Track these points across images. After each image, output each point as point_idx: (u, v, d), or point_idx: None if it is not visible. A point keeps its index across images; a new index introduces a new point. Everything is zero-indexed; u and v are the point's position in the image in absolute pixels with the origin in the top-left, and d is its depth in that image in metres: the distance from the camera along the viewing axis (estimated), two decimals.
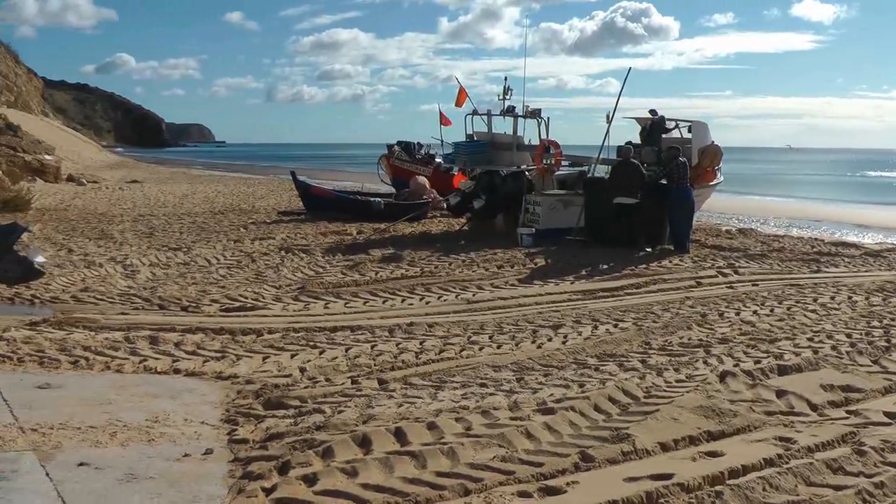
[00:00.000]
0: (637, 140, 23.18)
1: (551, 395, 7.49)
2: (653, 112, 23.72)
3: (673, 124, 23.59)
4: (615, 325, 10.86)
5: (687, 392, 7.51)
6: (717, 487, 5.50)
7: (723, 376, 8.08)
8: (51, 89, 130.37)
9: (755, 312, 11.76)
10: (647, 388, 7.71)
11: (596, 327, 10.73)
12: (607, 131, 20.97)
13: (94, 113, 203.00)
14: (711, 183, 22.89)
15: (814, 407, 7.37)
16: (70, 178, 41.68)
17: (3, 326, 9.97)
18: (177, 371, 8.51)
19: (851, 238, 23.94)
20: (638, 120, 24.22)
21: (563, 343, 9.85)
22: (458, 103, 25.34)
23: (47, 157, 42.02)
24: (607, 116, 21.18)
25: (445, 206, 24.04)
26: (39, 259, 11.39)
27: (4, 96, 76.97)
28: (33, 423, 6.54)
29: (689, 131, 22.75)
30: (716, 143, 22.36)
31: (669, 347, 9.59)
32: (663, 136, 23.15)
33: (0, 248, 10.68)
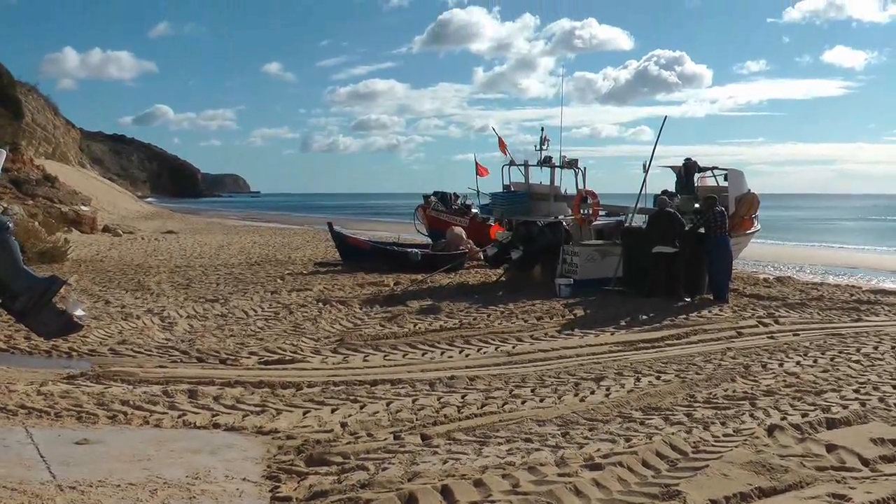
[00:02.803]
0: (673, 188, 23.16)
1: (598, 450, 7.41)
2: (688, 160, 23.72)
3: (706, 168, 23.66)
4: (658, 378, 10.75)
5: (735, 447, 7.40)
6: None
7: (771, 430, 7.95)
8: (88, 140, 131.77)
9: (798, 363, 11.63)
10: (694, 442, 7.61)
11: (638, 379, 10.63)
12: (644, 180, 20.95)
13: (129, 164, 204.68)
14: (749, 231, 22.81)
15: (865, 462, 7.21)
16: (106, 229, 42.03)
17: (40, 380, 10.01)
18: (216, 426, 8.46)
19: (889, 285, 23.57)
20: (673, 168, 24.21)
21: (607, 396, 9.76)
22: (503, 151, 25.37)
23: (84, 207, 42.49)
24: (644, 165, 21.17)
25: (483, 256, 24.04)
26: (79, 312, 11.30)
27: (43, 147, 77.92)
28: (71, 480, 6.48)
29: (726, 179, 22.71)
30: (752, 190, 22.30)
31: (714, 400, 9.47)
32: (697, 174, 23.26)
33: (39, 302, 10.64)
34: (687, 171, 23.45)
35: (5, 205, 31.56)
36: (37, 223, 30.97)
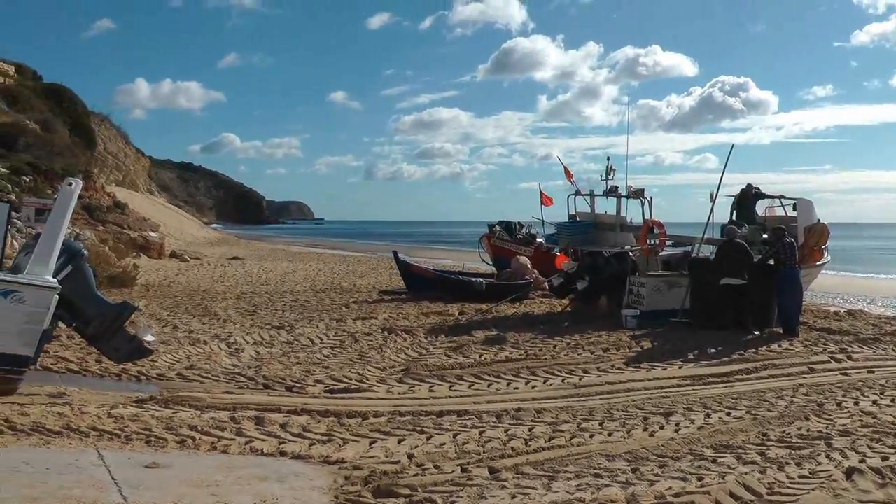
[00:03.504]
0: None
1: (669, 488, 7.28)
2: (750, 186, 23.48)
3: (764, 196, 23.38)
4: (728, 414, 10.54)
5: (812, 490, 7.22)
6: None
7: (849, 473, 7.73)
8: (157, 168, 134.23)
9: (875, 402, 11.31)
10: (769, 483, 7.44)
11: (708, 415, 10.43)
12: (711, 210, 20.74)
13: (196, 191, 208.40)
14: (818, 263, 22.44)
15: None
16: (173, 255, 42.64)
17: (111, 403, 10.11)
18: (283, 454, 8.45)
19: None
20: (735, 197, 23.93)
21: (676, 432, 9.58)
22: (569, 180, 25.29)
23: (152, 233, 43.14)
24: (711, 195, 20.95)
25: (548, 286, 23.92)
26: (149, 337, 11.57)
27: (114, 175, 79.68)
28: (142, 503, 6.55)
29: (795, 209, 22.41)
30: (821, 220, 21.97)
31: (788, 439, 9.23)
32: (766, 204, 23.01)
33: (111, 327, 10.88)
34: (743, 197, 23.16)
35: (77, 230, 32.12)
36: (107, 248, 31.48)
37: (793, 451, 8.68)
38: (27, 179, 39.71)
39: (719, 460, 8.32)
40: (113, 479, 7.18)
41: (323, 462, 8.19)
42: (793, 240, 18.68)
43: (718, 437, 9.32)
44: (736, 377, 13.22)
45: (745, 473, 7.76)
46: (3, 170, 39.65)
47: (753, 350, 15.63)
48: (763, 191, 23.67)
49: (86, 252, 11.33)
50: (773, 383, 12.74)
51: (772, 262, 18.30)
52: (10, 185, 37.32)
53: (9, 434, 8.47)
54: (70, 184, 10.51)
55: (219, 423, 9.45)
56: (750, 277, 18.09)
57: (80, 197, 10.82)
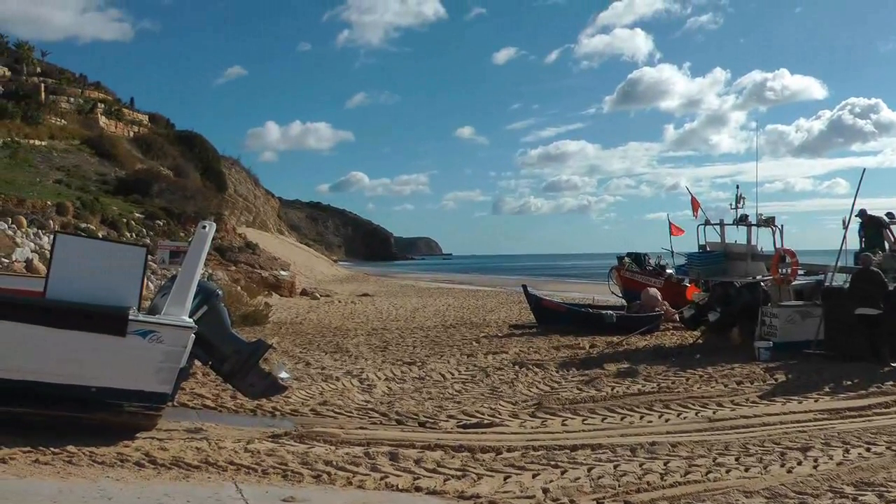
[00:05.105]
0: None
1: None
2: (889, 215, 22.95)
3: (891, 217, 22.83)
4: (868, 449, 10.27)
5: None
6: None
7: None
8: (286, 208, 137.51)
9: None
10: None
11: (847, 451, 10.19)
12: (844, 237, 20.36)
13: (325, 229, 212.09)
14: None
15: None
16: (304, 292, 43.51)
17: (247, 438, 10.38)
18: (418, 489, 8.53)
19: None
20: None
21: (815, 468, 9.40)
22: (695, 212, 25.09)
23: (283, 272, 44.09)
24: (843, 221, 20.59)
25: (679, 318, 23.76)
26: (283, 374, 11.88)
27: (244, 216, 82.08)
28: None
29: None
30: None
31: None
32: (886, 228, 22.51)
33: (246, 364, 11.23)
34: (869, 221, 22.64)
35: (211, 271, 33.14)
36: (239, 288, 32.40)
37: None
38: (161, 223, 41.31)
39: (860, 498, 8.17)
40: None
41: (458, 497, 8.27)
42: None
43: (859, 473, 9.12)
44: (874, 411, 12.89)
45: None
46: (138, 215, 41.26)
47: (891, 382, 15.18)
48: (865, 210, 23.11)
49: (220, 292, 11.73)
50: None
51: None
52: (144, 230, 38.83)
53: (150, 468, 8.83)
54: (204, 227, 10.89)
55: (353, 458, 9.61)
56: (886, 307, 17.65)
57: (212, 238, 11.19)
